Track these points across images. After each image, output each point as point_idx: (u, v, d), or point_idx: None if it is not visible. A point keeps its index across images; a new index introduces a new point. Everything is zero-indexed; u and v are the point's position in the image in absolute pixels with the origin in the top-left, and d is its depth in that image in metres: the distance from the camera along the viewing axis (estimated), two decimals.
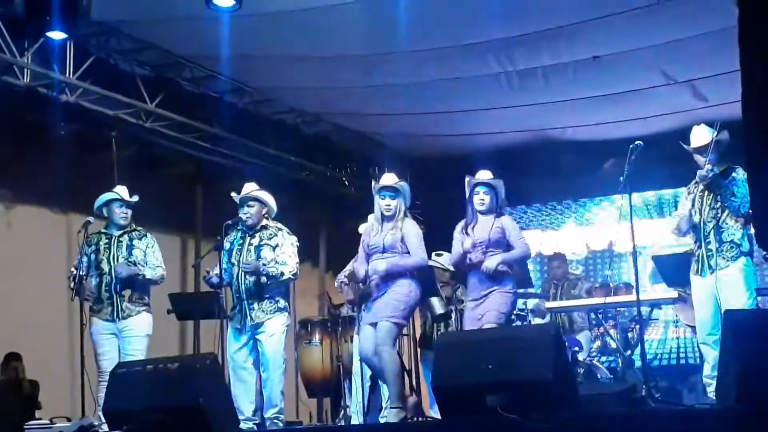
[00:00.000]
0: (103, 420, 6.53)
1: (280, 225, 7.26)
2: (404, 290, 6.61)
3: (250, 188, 7.32)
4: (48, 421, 7.44)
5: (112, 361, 7.18)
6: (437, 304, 8.14)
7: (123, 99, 9.24)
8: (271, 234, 7.16)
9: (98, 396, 7.14)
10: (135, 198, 7.64)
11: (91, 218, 7.66)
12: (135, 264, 7.49)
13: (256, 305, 7.02)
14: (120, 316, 7.39)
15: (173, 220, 10.74)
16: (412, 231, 6.67)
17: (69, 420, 7.49)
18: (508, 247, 6.80)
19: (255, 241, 7.14)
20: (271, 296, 7.05)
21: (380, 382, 7.76)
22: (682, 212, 6.86)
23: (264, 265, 7.01)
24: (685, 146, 6.76)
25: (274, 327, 7.02)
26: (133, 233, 7.61)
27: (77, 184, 9.28)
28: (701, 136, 6.71)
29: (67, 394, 8.81)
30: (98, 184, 8.04)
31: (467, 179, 7.01)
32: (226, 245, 7.27)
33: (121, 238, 7.56)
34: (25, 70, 8.44)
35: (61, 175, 9.29)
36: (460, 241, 6.90)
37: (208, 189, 11.25)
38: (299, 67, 9.31)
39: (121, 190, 7.65)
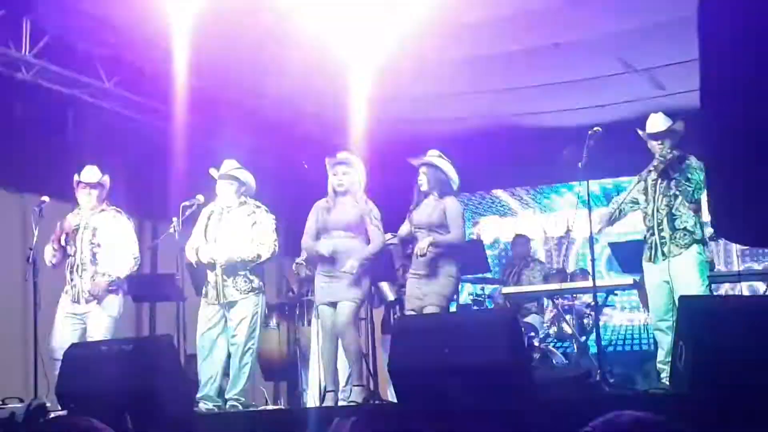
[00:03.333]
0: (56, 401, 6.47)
1: (258, 203, 7.26)
2: (363, 270, 6.63)
3: (229, 165, 7.28)
4: (0, 402, 7.35)
5: (68, 343, 7.13)
6: (388, 290, 8.16)
7: (81, 78, 9.12)
8: (249, 211, 7.13)
9: (52, 377, 7.09)
10: (95, 179, 7.53)
11: (46, 198, 7.58)
12: (100, 246, 7.42)
13: (230, 282, 6.98)
14: (82, 297, 7.32)
15: (130, 200, 10.61)
16: (376, 214, 6.70)
17: (22, 401, 7.40)
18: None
19: (233, 218, 7.12)
20: (246, 274, 7.02)
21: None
22: (621, 200, 6.95)
23: (238, 250, 6.97)
24: (640, 132, 6.84)
25: (246, 308, 7.00)
26: (102, 213, 7.53)
27: (33, 163, 9.16)
28: (658, 122, 6.81)
29: (20, 376, 8.71)
30: (55, 164, 7.96)
31: (412, 160, 6.99)
32: (203, 220, 7.24)
33: (89, 220, 7.49)
34: None
35: (16, 155, 9.17)
36: (405, 224, 6.93)
37: (165, 170, 11.13)
38: (258, 47, 9.23)
39: (86, 172, 7.55)
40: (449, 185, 6.91)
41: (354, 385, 6.68)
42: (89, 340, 7.17)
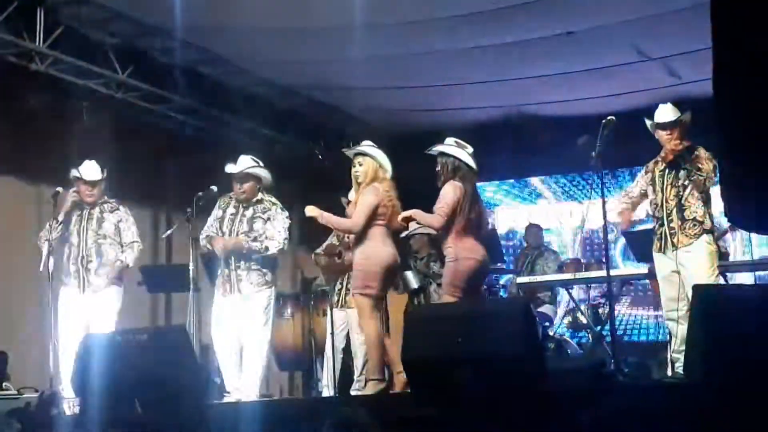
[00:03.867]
0: (71, 391, 6.50)
1: (274, 200, 7.30)
2: (363, 259, 6.61)
3: (245, 163, 7.29)
4: (16, 392, 7.41)
5: (77, 334, 7.18)
6: (412, 279, 8.16)
7: (94, 69, 9.13)
8: (265, 208, 7.22)
9: (63, 368, 7.13)
10: (96, 176, 7.55)
11: (60, 189, 7.61)
12: (105, 237, 7.46)
13: (244, 276, 7.04)
14: (87, 288, 7.37)
15: (144, 191, 10.66)
16: (363, 197, 6.65)
17: (37, 391, 7.45)
18: None
19: (249, 213, 7.20)
20: (259, 268, 7.07)
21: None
22: (633, 191, 6.95)
23: (248, 241, 7.01)
24: (648, 122, 6.82)
25: (260, 301, 7.07)
26: (105, 206, 7.58)
27: (47, 154, 9.19)
28: (666, 113, 6.79)
29: (36, 366, 8.76)
30: (69, 154, 7.98)
31: (429, 151, 6.94)
32: (218, 211, 7.28)
33: (92, 211, 7.54)
34: None
35: (30, 146, 9.20)
36: None
37: (180, 161, 11.17)
38: (272, 38, 9.23)
39: (86, 169, 7.57)
40: (462, 171, 6.78)
41: (369, 379, 6.65)
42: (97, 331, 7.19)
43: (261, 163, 7.38)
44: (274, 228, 7.14)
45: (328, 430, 3.49)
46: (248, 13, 8.64)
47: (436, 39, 9.24)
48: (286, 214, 7.29)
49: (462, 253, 6.59)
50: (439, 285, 8.90)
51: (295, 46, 9.36)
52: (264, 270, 7.11)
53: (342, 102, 11.54)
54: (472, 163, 6.78)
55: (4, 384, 8.07)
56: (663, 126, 6.76)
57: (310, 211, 6.66)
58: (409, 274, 8.22)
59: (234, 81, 10.57)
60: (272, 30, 8.99)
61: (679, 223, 6.62)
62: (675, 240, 6.61)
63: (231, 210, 7.24)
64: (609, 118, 6.58)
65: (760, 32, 2.80)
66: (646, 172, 6.93)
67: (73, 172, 7.62)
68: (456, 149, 6.81)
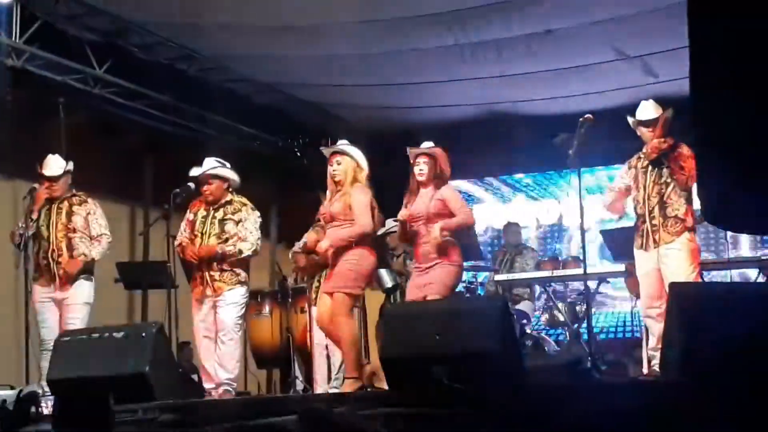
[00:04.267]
0: (47, 389, 6.46)
1: (244, 200, 7.28)
2: (356, 259, 6.58)
3: (209, 164, 7.28)
4: None
5: (51, 330, 7.18)
6: (386, 277, 8.14)
7: (71, 64, 9.08)
8: (235, 209, 7.21)
9: (42, 365, 7.11)
10: (57, 172, 7.50)
11: (36, 185, 7.57)
12: (74, 231, 7.43)
13: (217, 276, 7.06)
14: (58, 283, 7.34)
15: (121, 187, 10.62)
16: (358, 198, 6.61)
17: (12, 388, 7.39)
18: (450, 216, 6.76)
19: (219, 215, 7.19)
20: (232, 269, 7.09)
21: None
22: (617, 185, 6.96)
23: (220, 245, 7.02)
24: (630, 119, 6.82)
25: (233, 297, 7.13)
26: (73, 198, 7.54)
27: (24, 150, 9.13)
28: (648, 110, 6.80)
29: (11, 363, 8.70)
30: (45, 151, 7.93)
31: (408, 150, 6.97)
32: (189, 215, 7.27)
33: (60, 205, 7.50)
34: None
35: (7, 142, 9.13)
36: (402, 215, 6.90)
37: (157, 157, 11.14)
38: (251, 35, 9.21)
39: (47, 164, 7.53)
40: (443, 175, 6.88)
41: (346, 377, 6.65)
42: (70, 327, 7.16)
43: (227, 164, 7.36)
44: (246, 229, 7.15)
45: (296, 425, 3.48)
46: (226, 10, 8.62)
47: (415, 37, 9.24)
48: (257, 214, 7.29)
49: (460, 258, 6.77)
50: None
51: (274, 42, 9.35)
52: (237, 270, 7.13)
53: (321, 99, 11.54)
54: (448, 167, 6.90)
55: None
56: (645, 123, 6.76)
57: (322, 247, 6.63)
58: (384, 273, 8.20)
59: (212, 77, 10.53)
60: (250, 27, 8.97)
61: (661, 220, 6.63)
62: (657, 237, 6.63)
63: (202, 212, 7.24)
64: (586, 116, 6.61)
65: (736, 30, 2.82)
66: (629, 168, 6.93)
67: (38, 168, 7.57)
68: (438, 151, 6.86)
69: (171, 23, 9.12)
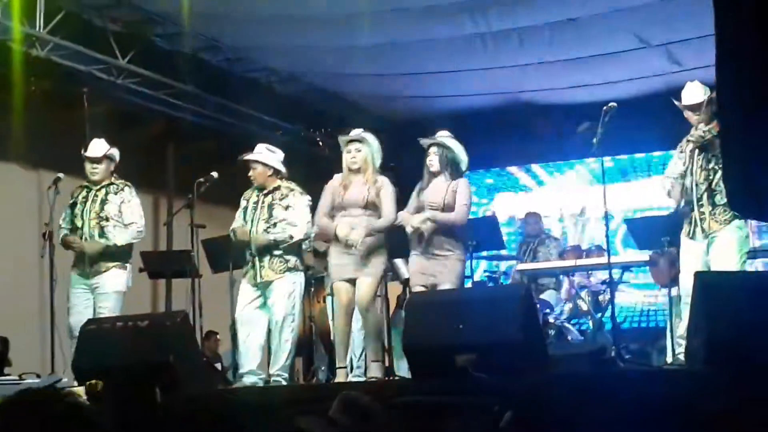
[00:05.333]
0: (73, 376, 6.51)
1: (292, 186, 7.27)
2: (380, 247, 6.62)
3: (258, 149, 7.31)
4: (17, 378, 7.41)
5: (80, 317, 7.19)
6: (403, 267, 8.16)
7: (95, 55, 9.12)
8: (283, 195, 7.19)
9: (65, 353, 7.15)
10: (99, 153, 7.53)
11: (61, 174, 7.61)
12: (107, 219, 7.44)
13: (266, 263, 7.04)
14: (92, 271, 7.37)
15: (145, 177, 10.64)
16: (388, 190, 6.66)
17: (38, 376, 7.45)
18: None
19: (268, 200, 7.17)
20: (281, 255, 7.06)
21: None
22: (673, 172, 6.71)
23: (272, 231, 7.04)
24: (677, 103, 6.62)
25: (283, 287, 7.05)
26: (110, 187, 7.55)
27: (48, 140, 9.20)
28: (695, 93, 6.53)
29: (37, 351, 8.77)
30: (69, 140, 7.99)
31: (421, 141, 6.97)
32: (242, 203, 7.29)
33: (97, 192, 7.52)
34: None
35: (31, 132, 9.19)
36: (413, 206, 6.89)
37: (180, 147, 11.18)
38: (274, 25, 9.21)
39: (92, 147, 7.57)
40: (459, 166, 6.87)
41: (372, 361, 6.68)
42: (99, 315, 7.19)
43: (276, 151, 7.35)
44: (296, 213, 7.13)
45: (335, 411, 3.50)
46: (249, 0, 8.63)
47: (436, 26, 9.22)
48: (307, 197, 7.24)
49: (463, 252, 6.75)
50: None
51: (296, 33, 9.35)
52: (287, 257, 7.09)
53: (342, 89, 11.53)
54: (465, 157, 6.87)
55: (5, 369, 8.08)
56: (690, 107, 6.56)
57: (354, 238, 6.65)
58: (401, 263, 8.23)
59: (234, 67, 10.55)
60: (273, 17, 8.98)
61: (710, 208, 6.40)
62: (705, 226, 6.41)
63: (253, 199, 7.26)
64: (610, 104, 6.54)
65: (763, 19, 2.80)
66: (681, 151, 6.66)
67: (83, 152, 7.61)
68: (453, 142, 6.85)
69: (194, 13, 9.13)
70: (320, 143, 12.25)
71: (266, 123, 11.34)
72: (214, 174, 7.58)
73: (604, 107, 6.51)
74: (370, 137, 6.82)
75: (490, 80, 10.82)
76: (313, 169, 12.16)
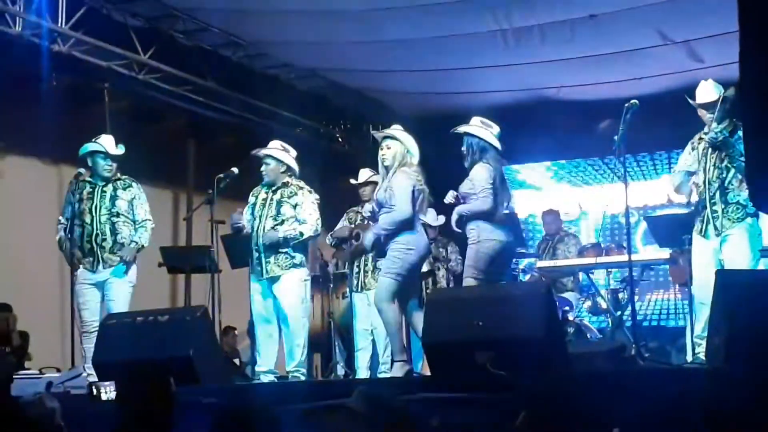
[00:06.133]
0: (92, 371, 6.52)
1: (301, 183, 7.31)
2: (402, 246, 6.54)
3: (272, 145, 7.34)
4: (38, 372, 7.45)
5: (92, 313, 7.21)
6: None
7: (116, 50, 9.15)
8: (291, 192, 7.22)
9: (84, 347, 7.17)
10: (119, 150, 7.55)
11: (82, 170, 7.61)
12: (118, 215, 7.44)
13: (272, 259, 7.10)
14: (102, 267, 7.36)
15: (165, 173, 10.70)
16: (398, 184, 6.56)
17: (59, 371, 7.49)
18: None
19: (276, 197, 7.20)
20: (286, 252, 7.09)
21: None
22: (682, 167, 6.70)
23: (281, 228, 7.07)
24: (691, 101, 6.60)
25: (289, 282, 7.10)
26: (118, 182, 7.53)
27: (69, 135, 9.21)
28: (708, 92, 6.52)
29: (57, 345, 8.82)
30: (90, 135, 7.97)
31: (454, 131, 6.89)
32: (251, 199, 7.31)
33: (105, 188, 7.50)
34: (17, 18, 8.33)
35: (52, 127, 9.21)
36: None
37: (200, 142, 11.20)
38: (294, 21, 9.22)
39: (106, 142, 7.55)
40: (489, 152, 6.76)
41: (395, 360, 6.62)
42: (112, 309, 7.19)
43: (290, 149, 7.37)
44: (305, 211, 7.15)
45: (356, 402, 3.50)
46: None
47: (457, 22, 9.21)
48: (315, 196, 7.28)
49: (484, 234, 6.55)
50: (447, 269, 8.92)
51: (317, 29, 9.35)
52: (292, 253, 7.12)
53: (363, 85, 11.53)
54: (497, 143, 6.75)
55: (26, 364, 8.12)
56: (704, 106, 6.53)
57: (365, 244, 6.65)
58: None
59: (255, 63, 10.57)
60: (294, 12, 8.98)
61: (722, 206, 6.38)
62: (717, 224, 6.39)
63: (262, 195, 7.28)
64: (632, 101, 6.50)
65: None
66: (693, 149, 6.64)
67: (90, 147, 7.57)
68: (482, 130, 6.76)
69: (215, 9, 9.15)
70: (339, 139, 12.26)
71: (286, 119, 11.35)
72: (234, 170, 7.58)
73: (626, 104, 6.47)
74: (400, 134, 6.76)
75: (511, 77, 10.80)
76: (332, 165, 12.20)
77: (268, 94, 10.90)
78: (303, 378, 7.10)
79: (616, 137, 6.51)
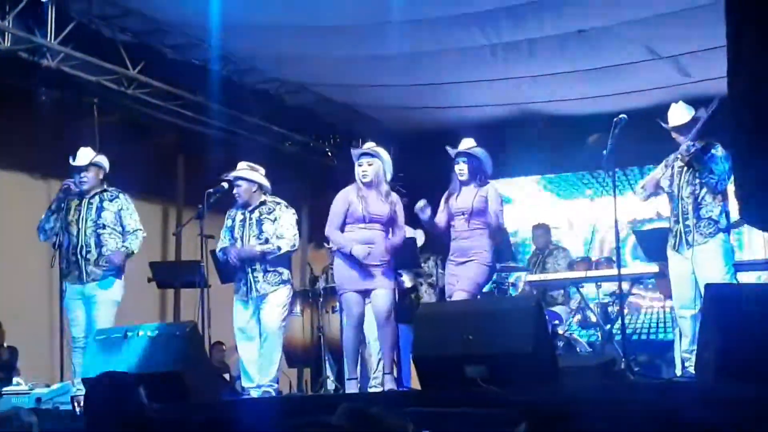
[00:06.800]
0: (81, 386, 6.50)
1: (278, 199, 7.34)
2: (391, 259, 6.76)
3: (240, 167, 7.35)
4: (26, 387, 7.42)
5: (80, 327, 7.17)
6: (405, 278, 8.20)
7: (105, 65, 9.14)
8: (270, 209, 7.27)
9: (73, 362, 7.14)
10: (86, 161, 7.45)
11: (69, 181, 7.57)
12: (104, 227, 7.38)
13: (260, 277, 7.11)
14: (86, 279, 7.30)
15: (154, 187, 10.68)
16: (400, 206, 6.87)
17: (48, 386, 7.46)
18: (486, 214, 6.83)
19: (255, 216, 7.23)
20: (275, 269, 7.13)
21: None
22: (652, 176, 6.90)
23: (260, 245, 7.10)
24: (663, 124, 6.77)
25: (277, 299, 7.16)
26: (104, 194, 7.46)
27: (58, 150, 9.19)
28: (680, 114, 6.74)
29: (46, 361, 8.78)
30: (79, 150, 7.98)
31: (449, 150, 7.04)
32: (228, 222, 7.33)
33: (91, 200, 7.45)
34: (6, 33, 8.31)
35: (41, 142, 9.22)
36: (442, 211, 6.97)
37: (190, 157, 11.20)
38: (284, 36, 9.23)
39: (79, 156, 7.51)
40: (486, 173, 6.98)
41: (387, 373, 6.77)
42: (96, 324, 7.13)
43: (259, 168, 7.39)
44: (283, 227, 7.19)
45: (339, 418, 3.48)
46: (259, 11, 8.64)
47: (447, 37, 9.23)
48: (292, 211, 7.33)
49: (491, 257, 6.83)
50: (429, 285, 9.02)
51: (306, 43, 9.37)
52: (280, 270, 7.16)
53: (352, 99, 11.55)
54: (490, 164, 7.01)
55: (14, 379, 8.07)
56: (677, 129, 6.72)
57: (359, 251, 6.71)
58: (403, 273, 8.28)
59: (244, 78, 10.58)
60: (283, 27, 8.99)
61: (695, 221, 6.55)
62: (690, 238, 6.56)
63: (239, 217, 7.30)
64: (620, 116, 6.56)
65: None
66: (666, 166, 6.85)
67: (71, 162, 7.55)
68: (480, 151, 6.94)
69: (204, 24, 9.15)
70: (329, 154, 12.27)
71: (275, 134, 11.36)
72: (224, 184, 7.58)
73: (615, 119, 6.52)
74: (381, 151, 6.93)
75: (500, 91, 10.83)
76: (322, 180, 12.21)
77: (257, 109, 10.90)
78: (274, 393, 7.14)
79: (605, 151, 6.56)
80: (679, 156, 6.67)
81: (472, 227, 6.84)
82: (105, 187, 7.52)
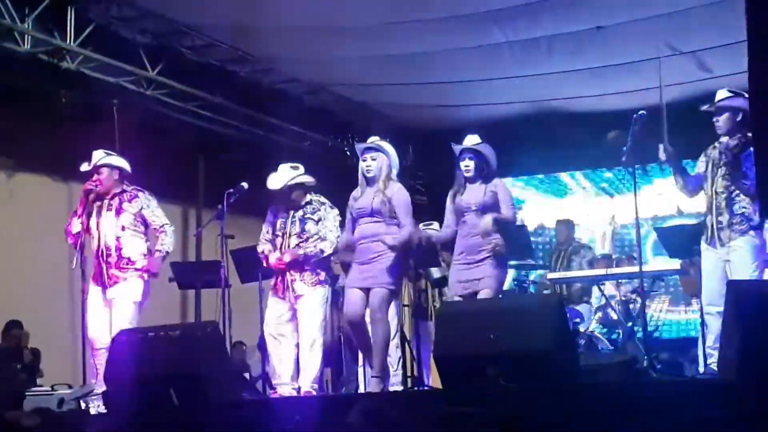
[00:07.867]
0: (103, 387, 6.51)
1: (323, 199, 7.29)
2: (395, 256, 6.55)
3: (284, 170, 7.25)
4: (49, 388, 7.45)
5: (100, 330, 7.10)
6: (434, 269, 8.13)
7: (124, 67, 9.18)
8: (314, 208, 7.21)
9: (96, 363, 7.12)
10: (91, 165, 7.45)
11: (91, 186, 7.58)
12: (123, 228, 7.34)
13: (297, 277, 7.06)
14: (108, 281, 7.27)
15: (174, 188, 10.69)
16: (404, 198, 6.63)
17: (70, 387, 7.49)
18: (498, 209, 6.71)
19: (299, 215, 7.17)
20: (312, 268, 7.07)
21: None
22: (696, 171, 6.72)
23: (302, 246, 7.07)
24: (707, 107, 6.55)
25: (314, 300, 7.08)
26: (123, 195, 7.41)
27: (78, 152, 9.22)
28: (724, 94, 6.48)
29: (68, 362, 8.82)
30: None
31: (454, 146, 6.95)
32: (270, 217, 7.30)
33: (111, 202, 7.40)
34: (26, 36, 8.36)
35: (62, 144, 9.25)
36: (450, 211, 6.86)
37: (209, 158, 11.23)
38: (302, 36, 9.25)
39: (94, 157, 7.48)
40: (492, 169, 6.86)
41: (374, 376, 6.56)
42: (116, 326, 7.10)
43: (300, 167, 7.32)
44: (326, 228, 7.13)
45: (355, 418, 3.49)
46: (277, 12, 8.66)
47: (464, 35, 9.22)
48: (336, 211, 7.24)
49: (505, 252, 6.70)
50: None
51: (324, 43, 9.38)
52: (318, 270, 7.12)
53: (370, 98, 11.56)
54: (495, 160, 6.87)
55: (37, 380, 8.12)
56: (722, 108, 6.50)
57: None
58: (434, 270, 8.23)
59: (263, 78, 10.60)
60: (301, 28, 9.00)
61: (728, 217, 6.41)
62: (723, 235, 6.41)
63: (282, 213, 7.24)
64: (640, 112, 6.51)
65: None
66: (705, 156, 6.64)
67: (84, 167, 7.52)
68: (485, 147, 6.84)
69: (223, 25, 9.18)
70: (348, 153, 12.28)
71: (294, 133, 11.38)
72: (244, 185, 7.59)
73: (634, 115, 6.48)
74: (385, 145, 6.80)
75: (518, 89, 10.81)
76: (340, 179, 12.19)
77: (276, 109, 10.92)
78: (315, 393, 7.08)
79: (625, 148, 6.51)
80: (719, 143, 6.47)
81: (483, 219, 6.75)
82: (123, 187, 7.47)
